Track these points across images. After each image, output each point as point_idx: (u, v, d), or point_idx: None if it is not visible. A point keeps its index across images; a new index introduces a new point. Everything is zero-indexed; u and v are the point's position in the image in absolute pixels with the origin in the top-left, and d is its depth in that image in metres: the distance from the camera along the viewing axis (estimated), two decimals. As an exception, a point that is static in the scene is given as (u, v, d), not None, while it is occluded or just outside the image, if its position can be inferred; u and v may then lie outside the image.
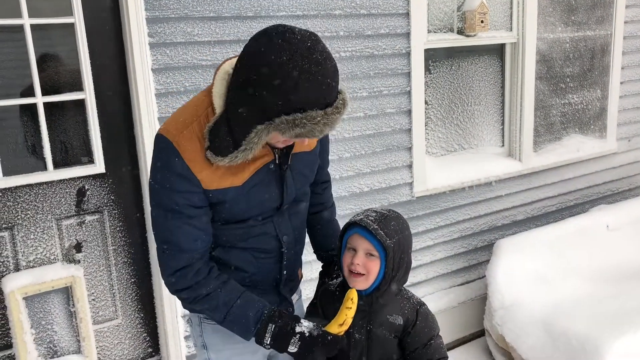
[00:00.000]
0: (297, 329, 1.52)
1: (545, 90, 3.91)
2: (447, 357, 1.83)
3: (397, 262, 1.72)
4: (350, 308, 1.60)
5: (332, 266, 1.94)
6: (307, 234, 1.92)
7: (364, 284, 1.73)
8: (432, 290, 3.59)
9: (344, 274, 1.76)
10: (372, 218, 1.72)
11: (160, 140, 1.46)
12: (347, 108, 1.40)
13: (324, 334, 1.53)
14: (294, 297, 1.88)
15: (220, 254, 1.63)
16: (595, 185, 4.28)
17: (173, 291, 1.56)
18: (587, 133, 4.23)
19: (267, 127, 1.35)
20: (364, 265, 1.70)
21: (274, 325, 1.52)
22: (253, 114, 1.35)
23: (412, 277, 3.47)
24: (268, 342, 1.52)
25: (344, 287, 1.81)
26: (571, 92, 4.06)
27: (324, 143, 1.81)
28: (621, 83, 4.25)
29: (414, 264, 3.45)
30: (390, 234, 1.71)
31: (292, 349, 1.51)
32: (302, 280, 1.98)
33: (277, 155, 1.56)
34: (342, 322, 1.59)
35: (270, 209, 1.62)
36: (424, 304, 1.83)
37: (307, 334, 1.52)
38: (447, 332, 3.57)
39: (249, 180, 1.52)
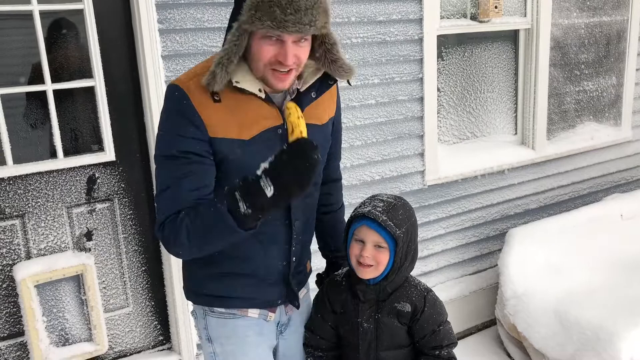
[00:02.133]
0: (257, 172, 1.34)
1: (559, 77, 3.85)
2: (457, 343, 1.82)
3: (405, 251, 1.72)
4: (296, 118, 1.44)
5: (334, 268, 1.92)
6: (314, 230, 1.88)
7: (373, 274, 1.73)
8: (443, 279, 3.57)
9: (352, 264, 1.75)
10: (380, 209, 1.70)
11: (170, 88, 1.48)
12: None
13: (284, 151, 1.35)
14: (302, 291, 1.84)
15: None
16: (609, 173, 4.22)
17: (162, 242, 1.50)
18: (601, 121, 4.17)
19: (239, 24, 1.38)
20: (373, 256, 1.70)
21: (236, 188, 1.35)
22: (231, 18, 1.43)
23: (423, 266, 3.44)
24: (245, 206, 1.33)
25: (350, 277, 1.81)
26: (586, 79, 3.99)
27: (336, 127, 1.77)
28: (637, 70, 4.19)
29: (425, 252, 3.43)
30: (399, 223, 1.70)
31: (269, 190, 1.31)
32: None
33: (285, 122, 1.52)
34: (296, 131, 1.43)
35: None
36: (431, 291, 1.82)
37: (268, 166, 1.33)
38: (458, 322, 3.55)
39: (256, 136, 1.48)
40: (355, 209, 1.77)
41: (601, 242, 3.48)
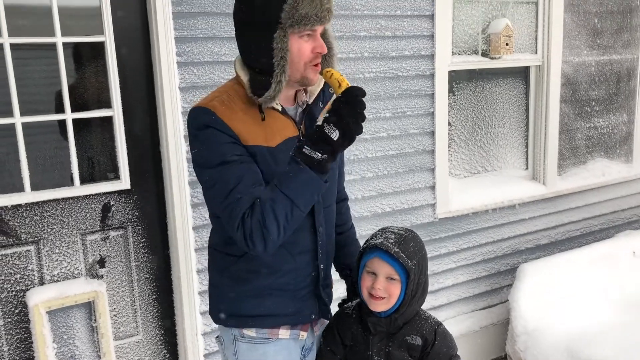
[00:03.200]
0: (319, 122, 1.46)
1: (570, 113, 3.88)
2: None
3: (416, 283, 1.72)
4: (339, 75, 1.52)
5: (354, 289, 1.93)
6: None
7: (385, 306, 1.73)
8: (453, 313, 3.54)
9: (363, 297, 1.75)
10: (392, 241, 1.71)
11: (195, 111, 1.56)
12: None
13: (340, 99, 1.45)
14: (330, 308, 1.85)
15: (256, 256, 1.60)
16: (620, 210, 4.21)
17: (246, 241, 1.49)
18: (612, 157, 4.17)
19: (280, 29, 1.46)
20: (385, 289, 1.70)
21: (302, 145, 1.45)
22: (264, 32, 1.48)
23: (434, 300, 3.43)
24: (320, 154, 1.43)
25: (360, 309, 1.81)
26: (597, 115, 4.02)
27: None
28: (648, 107, 4.20)
29: (435, 286, 3.42)
30: (410, 255, 1.71)
31: (335, 135, 1.42)
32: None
33: (301, 133, 1.63)
34: (344, 84, 1.50)
35: None
36: (441, 324, 1.82)
37: (328, 115, 1.44)
38: (468, 357, 3.51)
39: (281, 144, 1.57)
40: (367, 241, 1.79)
41: (613, 280, 3.45)
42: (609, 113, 4.09)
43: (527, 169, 3.82)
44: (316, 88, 1.68)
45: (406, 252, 1.70)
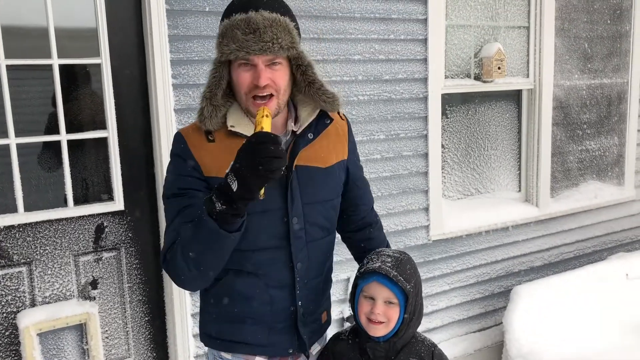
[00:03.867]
0: (228, 169, 1.37)
1: (562, 136, 3.91)
2: None
3: (414, 305, 1.72)
4: (260, 117, 1.43)
5: None
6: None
7: (384, 331, 1.72)
8: (447, 336, 3.53)
9: (361, 322, 1.74)
10: (390, 264, 1.71)
11: (174, 135, 1.60)
12: (285, 18, 1.49)
13: (243, 145, 1.36)
14: (315, 347, 1.81)
15: (231, 281, 1.59)
16: (613, 232, 4.23)
17: (167, 273, 1.52)
18: (604, 180, 4.20)
19: (216, 60, 1.51)
20: (384, 313, 1.69)
21: (213, 192, 1.38)
22: (214, 63, 1.54)
23: (428, 323, 3.41)
24: (220, 204, 1.35)
25: (357, 334, 1.79)
26: (588, 138, 4.06)
27: (352, 171, 1.78)
28: (638, 130, 4.25)
29: (429, 309, 3.41)
30: (408, 278, 1.71)
31: (234, 185, 1.33)
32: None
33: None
34: (260, 128, 1.40)
35: (278, 223, 1.57)
36: (436, 345, 1.82)
37: (233, 163, 1.35)
38: (462, 380, 3.49)
39: None
40: (362, 265, 1.78)
41: (607, 302, 3.45)
42: (601, 136, 4.13)
43: (520, 191, 3.84)
44: (307, 117, 1.62)
45: (404, 275, 1.70)
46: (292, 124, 1.61)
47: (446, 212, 3.44)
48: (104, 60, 2.48)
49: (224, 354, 1.69)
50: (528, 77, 3.68)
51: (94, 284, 2.60)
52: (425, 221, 3.34)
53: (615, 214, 4.19)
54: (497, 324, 3.68)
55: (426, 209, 3.33)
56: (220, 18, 1.55)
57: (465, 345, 3.55)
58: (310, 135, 1.61)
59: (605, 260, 3.81)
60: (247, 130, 1.53)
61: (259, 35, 1.43)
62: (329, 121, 1.65)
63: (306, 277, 1.65)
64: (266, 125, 1.41)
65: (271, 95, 1.51)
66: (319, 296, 1.74)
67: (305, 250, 1.62)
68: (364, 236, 1.88)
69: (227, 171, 1.36)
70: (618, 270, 3.64)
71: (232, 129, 1.53)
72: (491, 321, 3.70)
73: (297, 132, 1.60)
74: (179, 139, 1.56)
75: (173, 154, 1.57)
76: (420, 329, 1.88)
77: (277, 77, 1.50)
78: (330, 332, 1.92)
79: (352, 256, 3.07)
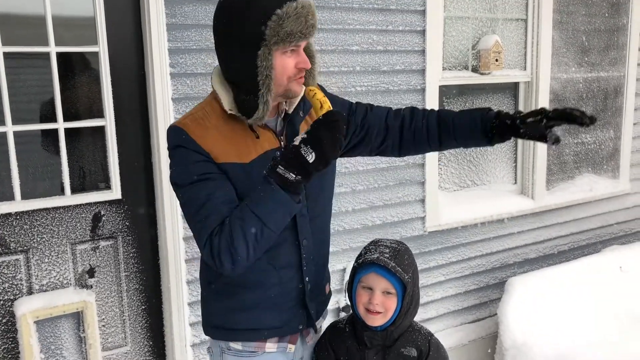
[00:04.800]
0: (295, 142, 1.42)
1: (558, 129, 3.92)
2: None
3: (411, 295, 1.74)
4: (322, 96, 1.51)
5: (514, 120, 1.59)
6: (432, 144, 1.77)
7: (382, 320, 1.74)
8: (442, 326, 3.55)
9: (359, 312, 1.76)
10: (388, 255, 1.73)
11: (169, 130, 1.57)
12: None
13: (320, 121, 1.43)
14: (319, 323, 1.83)
15: None
16: (608, 225, 4.25)
17: (213, 260, 1.46)
18: (600, 173, 4.22)
19: (265, 47, 1.43)
20: (382, 303, 1.72)
21: (277, 164, 1.41)
22: (246, 48, 1.45)
23: (423, 313, 3.44)
24: (293, 174, 1.39)
25: (353, 323, 1.81)
26: (584, 131, 4.07)
27: (354, 111, 1.76)
28: (634, 124, 4.27)
29: (425, 299, 3.43)
30: (406, 269, 1.73)
31: (311, 157, 1.38)
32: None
33: (282, 143, 1.59)
34: (325, 106, 1.49)
35: None
36: (433, 334, 1.85)
37: (306, 135, 1.41)
38: (457, 371, 3.52)
39: (256, 159, 1.54)
40: (360, 256, 1.79)
41: (600, 294, 3.48)
42: (596, 129, 4.14)
43: (515, 183, 3.86)
44: (296, 97, 1.64)
45: (402, 266, 1.72)
46: (284, 103, 1.62)
47: (442, 204, 3.46)
48: (102, 48, 2.47)
49: (233, 345, 1.69)
50: (525, 69, 3.68)
51: (91, 272, 2.61)
52: (421, 212, 3.35)
53: (610, 207, 4.21)
54: (491, 315, 3.70)
55: (422, 201, 3.35)
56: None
57: (460, 335, 3.57)
58: (301, 114, 1.64)
59: (600, 253, 3.84)
60: (236, 110, 1.53)
61: (312, 19, 1.47)
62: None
63: (312, 253, 1.68)
64: (329, 105, 1.50)
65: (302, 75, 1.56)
66: (321, 269, 1.76)
67: (309, 227, 1.65)
68: (424, 124, 1.75)
69: (295, 144, 1.40)
70: (612, 262, 3.67)
71: (232, 112, 1.53)
72: (486, 312, 3.73)
73: (290, 112, 1.62)
74: (179, 131, 1.53)
75: (175, 146, 1.54)
76: (415, 319, 1.91)
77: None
78: (326, 321, 1.93)
79: (348, 246, 3.09)
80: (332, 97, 1.73)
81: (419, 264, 3.35)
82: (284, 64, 1.49)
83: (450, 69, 3.42)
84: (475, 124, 1.67)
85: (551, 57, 3.70)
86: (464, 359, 3.56)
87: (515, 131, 1.59)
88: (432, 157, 3.32)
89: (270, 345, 1.69)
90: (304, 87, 1.57)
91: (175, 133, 1.54)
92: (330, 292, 1.86)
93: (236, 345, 1.69)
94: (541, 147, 3.75)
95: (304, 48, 1.56)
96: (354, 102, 1.82)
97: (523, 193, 3.84)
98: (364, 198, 3.14)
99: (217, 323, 1.70)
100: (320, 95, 1.51)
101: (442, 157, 3.52)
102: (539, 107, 1.63)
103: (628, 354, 2.99)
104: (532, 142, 3.73)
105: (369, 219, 3.18)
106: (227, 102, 1.54)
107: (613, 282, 3.55)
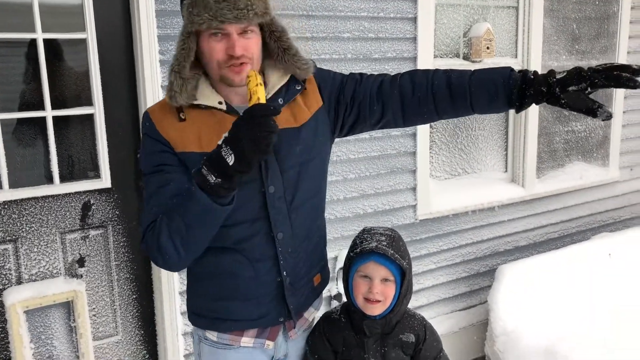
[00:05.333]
0: (219, 141, 1.35)
1: (548, 117, 3.93)
2: None
3: (408, 281, 1.74)
4: (254, 85, 1.38)
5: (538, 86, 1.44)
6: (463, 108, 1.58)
7: (381, 309, 1.74)
8: (433, 314, 3.57)
9: (357, 302, 1.75)
10: (385, 243, 1.72)
11: (142, 116, 1.58)
12: None
13: (241, 117, 1.33)
14: (310, 313, 1.78)
15: (213, 259, 1.55)
16: (597, 212, 4.28)
17: (149, 255, 1.47)
18: (589, 161, 4.25)
19: (183, 28, 1.44)
20: (382, 292, 1.71)
21: (202, 164, 1.35)
22: (181, 34, 1.47)
23: (415, 301, 3.45)
24: (213, 177, 1.32)
25: (349, 313, 1.81)
26: (574, 119, 4.09)
27: (345, 87, 1.63)
28: (624, 112, 4.28)
29: (416, 287, 3.44)
30: (403, 255, 1.74)
31: (230, 159, 1.30)
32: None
33: None
34: (254, 98, 1.37)
35: (255, 195, 1.51)
36: (425, 319, 1.87)
37: (227, 134, 1.33)
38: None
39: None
40: (356, 245, 1.77)
41: (590, 281, 3.51)
42: (587, 117, 4.15)
43: (506, 171, 3.87)
44: (277, 82, 1.56)
45: (399, 253, 1.72)
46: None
47: (433, 192, 3.46)
48: (90, 35, 2.44)
49: (209, 334, 1.66)
50: (516, 57, 3.68)
51: (81, 261, 2.59)
52: (412, 201, 3.36)
53: (599, 195, 4.24)
54: (482, 302, 3.72)
55: (414, 189, 3.35)
56: None
57: (451, 323, 3.59)
58: (280, 101, 1.54)
59: (589, 240, 3.87)
60: (210, 100, 1.49)
61: (233, 2, 1.38)
62: (299, 87, 1.57)
63: (290, 245, 1.60)
64: (262, 95, 1.37)
65: (243, 63, 1.45)
66: (308, 261, 1.68)
67: (287, 219, 1.57)
68: (429, 91, 1.58)
69: (219, 143, 1.33)
70: (601, 250, 3.70)
71: (195, 102, 1.48)
72: (476, 300, 3.75)
73: (267, 97, 1.53)
74: (145, 118, 1.52)
75: (143, 134, 1.54)
76: (410, 308, 1.91)
77: (251, 46, 1.45)
78: (319, 311, 1.92)
79: (340, 234, 3.08)
80: (322, 73, 1.65)
81: (410, 251, 3.35)
82: (210, 48, 1.43)
83: (441, 57, 3.41)
84: (497, 91, 1.49)
85: (542, 45, 3.70)
86: (455, 346, 3.58)
87: (554, 100, 1.42)
88: (423, 146, 3.31)
89: (247, 340, 1.64)
90: (243, 77, 1.45)
91: (143, 119, 1.55)
92: (324, 281, 1.79)
93: (211, 336, 1.66)
94: (531, 135, 3.76)
95: (273, 32, 1.50)
96: (347, 75, 1.68)
97: (514, 181, 3.85)
98: (355, 186, 3.13)
99: (195, 310, 1.67)
100: (252, 84, 1.38)
101: (433, 146, 3.52)
102: (576, 66, 1.43)
103: (616, 340, 3.02)
104: (523, 130, 3.74)
105: (360, 207, 3.17)
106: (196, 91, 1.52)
107: (602, 269, 3.58)
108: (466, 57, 3.47)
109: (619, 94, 4.20)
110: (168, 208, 1.42)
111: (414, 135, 3.27)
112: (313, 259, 1.70)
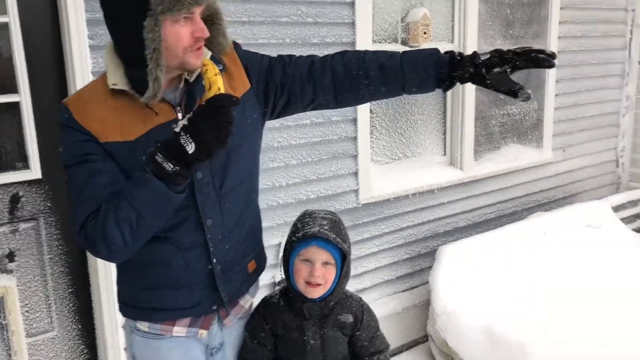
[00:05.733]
0: (176, 129, 1.31)
1: (485, 100, 4.03)
2: (389, 346, 1.91)
3: (348, 264, 1.76)
4: (213, 75, 1.40)
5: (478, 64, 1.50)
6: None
7: (322, 292, 1.76)
8: (377, 296, 3.62)
9: (298, 286, 1.75)
10: (327, 227, 1.74)
11: (60, 108, 1.49)
12: None
13: (203, 107, 1.31)
14: (246, 300, 1.77)
15: (142, 248, 1.49)
16: (532, 193, 4.44)
17: (89, 247, 1.42)
18: (524, 143, 4.39)
19: (151, 17, 1.30)
20: (323, 275, 1.73)
21: (156, 151, 1.31)
22: (132, 19, 1.31)
23: (357, 284, 3.49)
24: (171, 165, 1.30)
25: (288, 296, 1.81)
26: (509, 103, 4.21)
27: (271, 70, 1.61)
28: (556, 95, 4.44)
29: (359, 270, 3.48)
30: (344, 238, 1.77)
31: (190, 147, 1.28)
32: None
33: (180, 115, 1.47)
34: (214, 88, 1.37)
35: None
36: (363, 299, 1.91)
37: (187, 122, 1.30)
38: (391, 338, 3.57)
39: (143, 136, 1.44)
40: (297, 230, 1.77)
41: (525, 259, 3.63)
42: (513, 99, 4.28)
43: (445, 154, 3.95)
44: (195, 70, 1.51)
45: (341, 236, 1.75)
46: (187, 72, 1.49)
47: (375, 176, 3.50)
48: (12, 18, 2.31)
49: (140, 325, 1.63)
50: (453, 42, 3.74)
51: (10, 256, 2.48)
52: (354, 185, 3.38)
53: (534, 176, 4.39)
54: (423, 283, 3.81)
55: (355, 174, 3.37)
56: None
57: (394, 304, 3.66)
58: (204, 82, 1.49)
59: (525, 220, 4.01)
60: (126, 85, 1.44)
61: None
62: (221, 67, 1.52)
63: (220, 232, 1.57)
64: (221, 85, 1.37)
65: (200, 46, 1.42)
66: (241, 248, 1.66)
67: (217, 206, 1.55)
68: (361, 74, 1.59)
69: (177, 130, 1.31)
70: (536, 228, 3.84)
71: (115, 88, 1.43)
72: (418, 280, 3.82)
73: (191, 81, 1.49)
74: (63, 110, 1.46)
75: (62, 126, 1.47)
76: (350, 290, 1.94)
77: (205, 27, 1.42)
78: (260, 295, 1.91)
79: (283, 221, 3.06)
80: (249, 55, 1.63)
81: (353, 236, 3.40)
82: (177, 34, 1.36)
83: (380, 42, 3.43)
84: (428, 73, 1.55)
85: (477, 30, 3.77)
86: (398, 327, 3.66)
87: (480, 80, 1.50)
88: (364, 131, 3.34)
89: (179, 329, 1.62)
90: (202, 59, 1.43)
91: (61, 112, 1.47)
92: (259, 268, 1.78)
93: (142, 326, 1.63)
94: (468, 119, 3.84)
95: (206, 8, 1.45)
96: (275, 57, 1.66)
97: (452, 164, 3.93)
98: (297, 172, 3.12)
99: (125, 300, 1.64)
100: (211, 73, 1.39)
101: (373, 130, 3.55)
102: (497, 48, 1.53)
103: (549, 313, 3.15)
104: (460, 114, 3.82)
105: (303, 193, 3.17)
106: (113, 76, 1.43)
107: (537, 247, 3.72)
108: (404, 42, 3.50)
109: (551, 78, 4.35)
110: (109, 198, 1.38)
111: (355, 120, 3.29)
112: (246, 246, 1.69)
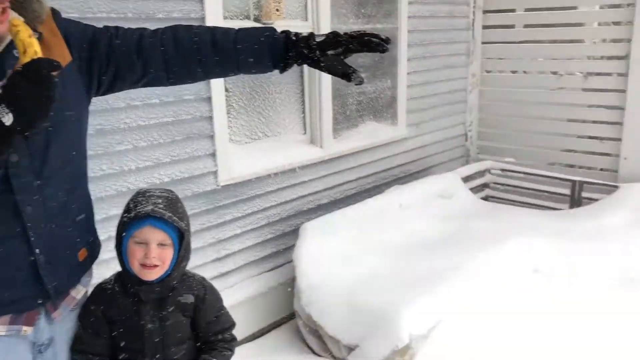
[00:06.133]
0: None
1: (341, 79, 4.10)
2: (235, 324, 1.86)
3: (187, 243, 1.70)
4: (27, 37, 1.26)
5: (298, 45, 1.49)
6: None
7: (159, 273, 1.69)
8: (242, 277, 3.58)
9: (133, 268, 1.67)
10: (162, 206, 1.66)
11: None
12: None
13: (20, 73, 1.20)
14: (77, 291, 1.65)
15: None
16: (390, 168, 4.62)
17: None
18: (380, 120, 4.55)
19: None
20: (159, 256, 1.65)
21: None
22: None
23: (221, 267, 3.42)
24: None
25: (122, 282, 1.72)
26: (365, 81, 4.32)
27: (77, 44, 1.48)
28: (408, 73, 4.64)
29: (222, 253, 3.42)
30: (182, 217, 1.70)
31: (8, 119, 1.18)
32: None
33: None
34: (30, 51, 1.24)
35: None
36: (205, 278, 1.84)
37: (2, 92, 1.19)
38: (258, 318, 3.60)
39: None
40: (130, 209, 1.68)
41: (384, 230, 3.79)
42: (375, 79, 4.43)
43: (305, 133, 3.98)
44: (7, 34, 1.35)
45: (177, 215, 1.68)
46: None
47: (234, 157, 3.43)
48: None
49: None
50: (307, 20, 3.76)
51: None
52: (212, 167, 3.30)
53: (390, 152, 4.57)
54: (289, 261, 3.82)
55: (213, 155, 3.29)
56: None
57: (260, 284, 3.64)
58: (15, 53, 1.34)
59: (382, 194, 4.17)
60: None
61: None
62: (36, 34, 1.37)
63: (42, 220, 1.44)
64: (37, 48, 1.24)
65: (5, 9, 1.28)
66: (68, 236, 1.54)
67: (37, 190, 1.42)
68: (194, 51, 1.55)
69: None
70: (393, 201, 4.01)
71: None
72: (284, 259, 3.83)
73: (1, 51, 1.35)
74: None
75: None
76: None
77: None
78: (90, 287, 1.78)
79: (114, 191, 2.83)
80: (70, 25, 1.50)
81: (214, 219, 3.33)
82: None
83: (231, 18, 3.35)
84: (263, 53, 1.53)
85: (330, 9, 3.82)
86: (264, 306, 3.65)
87: (314, 63, 1.50)
88: (219, 110, 3.25)
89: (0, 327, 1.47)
90: (7, 24, 1.28)
91: None
92: (91, 256, 1.67)
93: None
94: (326, 97, 3.90)
95: None
96: (100, 28, 1.54)
97: (312, 142, 3.98)
98: (148, 155, 2.97)
99: None
100: (24, 34, 1.25)
101: (230, 110, 3.48)
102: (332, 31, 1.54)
103: (407, 278, 3.29)
104: (318, 93, 3.86)
105: (156, 177, 3.03)
106: None
107: (394, 219, 3.89)
108: (257, 19, 3.46)
109: (402, 56, 4.53)
110: None
111: (209, 99, 3.19)
112: (75, 234, 1.56)
